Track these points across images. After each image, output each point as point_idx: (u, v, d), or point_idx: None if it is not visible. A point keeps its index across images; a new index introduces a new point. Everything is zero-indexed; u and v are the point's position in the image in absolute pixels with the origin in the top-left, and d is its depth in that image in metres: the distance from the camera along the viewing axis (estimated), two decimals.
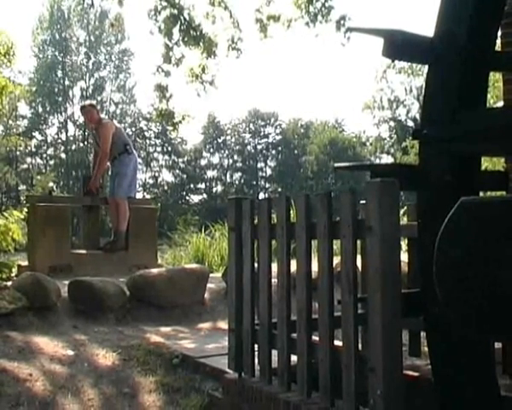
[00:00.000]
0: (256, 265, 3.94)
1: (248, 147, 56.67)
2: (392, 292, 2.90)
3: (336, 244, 3.32)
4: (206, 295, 6.90)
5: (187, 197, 52.49)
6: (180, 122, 10.44)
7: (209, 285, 7.02)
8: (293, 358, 3.60)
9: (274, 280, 3.81)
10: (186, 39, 9.96)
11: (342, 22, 10.29)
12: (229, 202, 4.21)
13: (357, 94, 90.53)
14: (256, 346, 3.93)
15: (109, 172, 9.02)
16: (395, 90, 51.96)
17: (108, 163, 8.90)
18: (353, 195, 3.12)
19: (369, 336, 2.97)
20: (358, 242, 3.25)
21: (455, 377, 2.96)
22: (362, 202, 3.33)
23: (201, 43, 10.43)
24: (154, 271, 6.75)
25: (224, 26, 10.56)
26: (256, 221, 3.94)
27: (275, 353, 3.76)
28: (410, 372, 3.54)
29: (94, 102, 10.17)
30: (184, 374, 4.70)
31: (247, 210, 3.97)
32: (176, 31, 9.88)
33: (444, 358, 3.00)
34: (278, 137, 57.40)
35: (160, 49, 9.95)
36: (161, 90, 10.09)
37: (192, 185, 53.09)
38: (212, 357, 4.86)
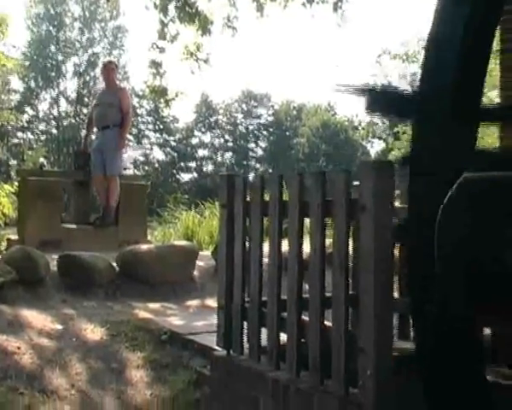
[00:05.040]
0: (247, 242, 3.92)
1: (240, 127, 56.42)
2: (384, 272, 2.89)
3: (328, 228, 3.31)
4: (196, 273, 6.90)
5: (177, 176, 52.29)
6: (173, 99, 10.36)
7: (198, 263, 7.03)
8: (283, 337, 3.60)
9: (265, 259, 3.80)
10: (182, 16, 9.84)
11: (339, 4, 10.20)
12: (221, 178, 4.18)
13: (351, 78, 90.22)
14: (245, 324, 3.93)
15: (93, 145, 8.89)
16: (389, 75, 51.81)
17: (93, 136, 8.89)
18: (347, 174, 3.10)
19: (361, 316, 2.97)
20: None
21: (441, 362, 2.95)
22: (355, 183, 3.31)
23: (197, 21, 10.31)
24: (144, 247, 6.74)
25: (220, 3, 10.45)
26: (248, 199, 3.91)
27: (264, 331, 3.76)
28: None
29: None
30: (172, 351, 4.71)
31: (240, 187, 3.94)
32: (171, 7, 9.77)
33: (430, 344, 2.98)
34: (270, 119, 57.16)
35: (155, 25, 9.83)
36: (155, 66, 9.99)
37: (183, 164, 52.88)
38: (200, 334, 4.87)
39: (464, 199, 1.45)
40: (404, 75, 50.84)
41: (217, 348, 4.16)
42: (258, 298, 3.78)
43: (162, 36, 9.93)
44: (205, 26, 10.41)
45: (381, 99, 2.98)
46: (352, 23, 11.02)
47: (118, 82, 8.98)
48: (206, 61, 10.82)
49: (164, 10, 9.79)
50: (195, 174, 53.26)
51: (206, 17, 10.41)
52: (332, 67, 78.29)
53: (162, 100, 10.33)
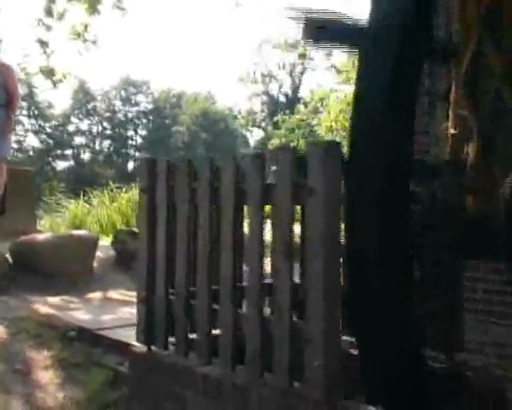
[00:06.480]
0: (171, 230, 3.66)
1: (119, 114, 55.17)
2: (333, 259, 2.74)
3: None
4: (94, 264, 6.53)
5: (53, 163, 50.37)
6: (61, 81, 9.80)
7: (97, 253, 6.65)
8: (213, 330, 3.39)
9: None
10: None
11: None
12: (141, 162, 3.90)
13: (231, 67, 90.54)
14: (169, 317, 3.66)
15: None
16: (268, 64, 52.32)
17: None
18: (292, 155, 2.91)
19: (308, 305, 2.80)
20: None
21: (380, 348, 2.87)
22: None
23: None
24: (40, 237, 6.28)
25: None
26: (172, 184, 3.65)
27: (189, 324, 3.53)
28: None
29: None
30: (82, 348, 4.36)
31: (163, 171, 3.67)
32: None
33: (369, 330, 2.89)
34: (150, 106, 56.33)
35: (42, 2, 9.23)
36: (42, 45, 9.39)
37: (59, 151, 51.00)
38: (111, 329, 4.58)
39: None
40: (283, 64, 51.70)
41: (135, 343, 3.87)
42: (185, 289, 3.53)
43: (49, 13, 9.34)
44: (93, 5, 9.92)
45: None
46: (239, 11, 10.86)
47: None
48: (94, 43, 10.36)
49: None
50: (72, 162, 51.53)
51: None
52: (213, 55, 78.10)
53: (50, 80, 9.74)
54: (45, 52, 9.45)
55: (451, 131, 4.85)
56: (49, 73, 9.58)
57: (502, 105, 4.41)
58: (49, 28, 9.45)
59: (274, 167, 3.10)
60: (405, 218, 2.92)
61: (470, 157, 4.58)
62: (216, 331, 3.36)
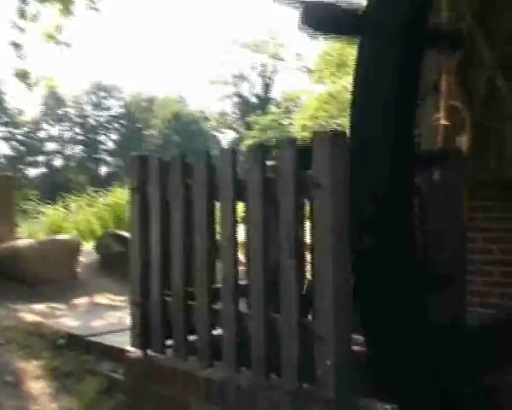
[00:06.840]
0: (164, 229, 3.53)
1: (90, 119, 54.61)
2: (343, 255, 2.64)
3: None
4: (78, 269, 6.37)
5: (25, 171, 49.66)
6: (35, 84, 9.59)
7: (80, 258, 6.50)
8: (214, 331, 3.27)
9: None
10: None
11: None
12: (132, 160, 3.76)
13: (202, 69, 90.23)
14: (166, 320, 3.53)
15: None
16: (239, 65, 52.18)
17: None
18: (295, 148, 2.81)
19: (318, 302, 2.70)
20: None
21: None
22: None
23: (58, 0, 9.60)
24: (22, 243, 6.09)
25: None
26: (164, 182, 3.53)
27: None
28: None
29: None
30: (74, 356, 4.21)
31: (155, 169, 3.55)
32: None
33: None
34: (121, 110, 55.85)
35: (14, 3, 9.00)
36: (16, 47, 9.16)
37: (31, 158, 50.33)
38: (102, 335, 4.43)
39: None
40: (253, 65, 51.58)
41: (130, 349, 3.73)
42: (182, 289, 3.41)
43: (22, 15, 9.12)
44: (67, 6, 9.73)
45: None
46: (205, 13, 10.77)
47: None
48: (67, 45, 10.16)
49: None
50: (44, 169, 50.89)
51: None
52: (183, 58, 77.81)
53: (25, 84, 9.51)
54: (20, 55, 9.23)
55: (443, 121, 4.78)
56: (23, 76, 9.37)
57: (495, 93, 4.36)
58: (22, 30, 9.24)
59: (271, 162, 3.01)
60: (409, 209, 2.80)
61: (464, 147, 4.52)
62: (216, 332, 3.25)
